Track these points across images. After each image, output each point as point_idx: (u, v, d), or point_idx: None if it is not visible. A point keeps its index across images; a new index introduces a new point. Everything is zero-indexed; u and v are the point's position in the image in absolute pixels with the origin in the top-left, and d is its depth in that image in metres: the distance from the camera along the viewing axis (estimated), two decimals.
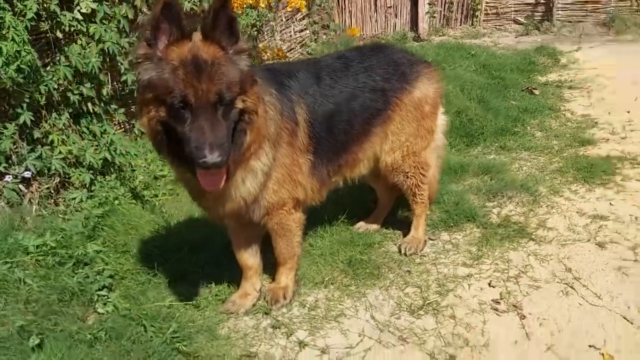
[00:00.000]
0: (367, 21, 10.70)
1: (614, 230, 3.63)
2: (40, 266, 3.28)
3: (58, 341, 2.66)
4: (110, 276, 3.27)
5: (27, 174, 3.82)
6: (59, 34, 4.17)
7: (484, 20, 10.85)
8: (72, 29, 4.19)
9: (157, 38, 2.28)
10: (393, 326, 2.98)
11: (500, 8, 10.83)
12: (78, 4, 4.21)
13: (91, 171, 4.19)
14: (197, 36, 2.33)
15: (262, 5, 5.67)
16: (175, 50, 2.27)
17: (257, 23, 5.77)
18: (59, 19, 4.08)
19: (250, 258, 3.14)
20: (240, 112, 2.38)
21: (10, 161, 3.83)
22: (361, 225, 3.88)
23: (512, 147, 5.13)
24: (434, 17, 10.63)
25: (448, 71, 7.30)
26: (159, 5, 2.22)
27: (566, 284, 3.18)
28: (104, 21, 4.41)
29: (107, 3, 4.46)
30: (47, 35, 4.10)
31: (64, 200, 4.05)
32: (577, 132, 5.36)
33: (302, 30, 8.76)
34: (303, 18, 8.87)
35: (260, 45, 6.42)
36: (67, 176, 4.11)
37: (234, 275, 3.29)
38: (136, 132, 4.96)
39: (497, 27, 10.85)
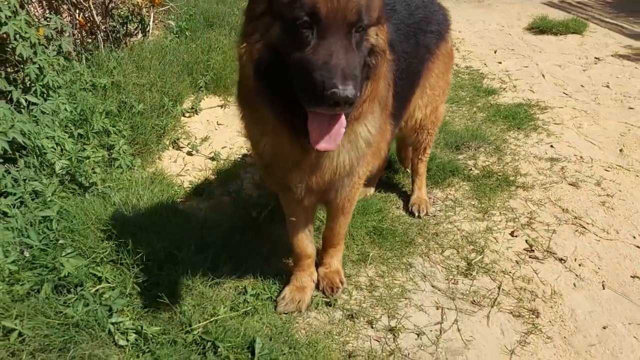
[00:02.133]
0: None
1: (574, 170, 4.03)
2: (13, 300, 2.25)
3: None
4: (119, 296, 2.42)
5: None
6: None
7: None
8: None
9: None
10: (459, 292, 2.85)
11: None
12: None
13: None
14: None
15: None
16: None
17: None
18: None
19: (309, 245, 2.65)
20: (370, 49, 1.84)
21: None
22: (360, 191, 3.58)
23: None
24: None
25: None
26: None
27: (573, 224, 3.43)
28: None
29: None
30: None
31: None
32: (475, 83, 5.75)
33: None
34: None
35: None
36: None
37: (248, 269, 2.80)
38: (22, 101, 3.69)
39: None
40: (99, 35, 5.16)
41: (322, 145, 1.75)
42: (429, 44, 2.86)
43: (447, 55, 3.06)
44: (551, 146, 4.40)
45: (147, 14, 5.80)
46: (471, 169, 3.97)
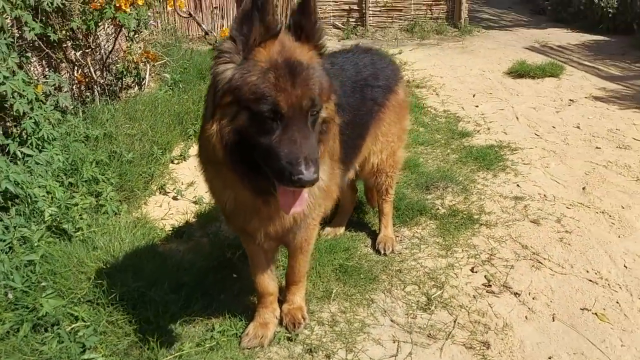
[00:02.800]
0: (192, 21, 10.30)
1: (536, 208, 4.24)
2: None
3: None
4: (93, 333, 2.64)
5: None
6: None
7: None
8: None
9: (244, 35, 1.95)
10: (416, 326, 3.04)
11: (320, 13, 11.42)
12: None
13: None
14: (283, 34, 2.04)
15: (140, 3, 5.06)
16: (264, 50, 1.97)
17: (138, 19, 5.13)
18: None
19: (271, 283, 2.86)
20: (322, 121, 2.15)
21: None
22: (329, 231, 3.82)
23: (408, 143, 5.53)
24: None
25: None
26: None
27: (531, 259, 3.62)
28: None
29: None
30: None
31: None
32: (450, 126, 6.04)
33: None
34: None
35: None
36: None
37: (218, 307, 3.02)
38: (18, 153, 3.99)
39: None
40: (96, 90, 5.53)
41: (293, 210, 2.07)
42: (376, 97, 3.16)
43: (398, 106, 3.34)
44: (517, 185, 4.63)
45: (143, 68, 6.19)
46: (438, 208, 4.20)
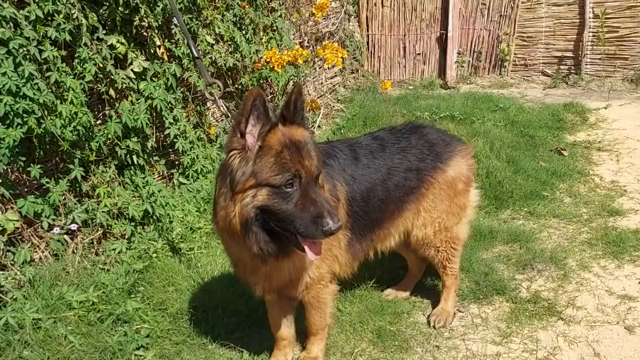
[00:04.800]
0: (395, 67, 10.94)
1: None
2: (83, 322, 3.42)
3: None
4: (148, 335, 3.40)
5: (74, 227, 3.99)
6: (112, 92, 4.39)
7: (512, 71, 10.95)
8: (124, 86, 4.43)
9: (248, 130, 2.45)
10: None
11: (529, 59, 10.93)
12: (131, 63, 4.46)
13: (132, 222, 4.37)
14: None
15: (300, 61, 5.88)
16: (272, 138, 2.44)
17: (295, 78, 5.98)
18: (113, 78, 4.31)
19: (285, 329, 3.23)
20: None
21: (57, 213, 4.01)
22: (390, 293, 3.96)
23: (541, 213, 5.17)
24: (463, 66, 10.78)
25: (477, 125, 7.45)
26: (249, 101, 2.39)
27: None
28: (153, 78, 4.66)
29: (158, 62, 4.72)
30: (100, 92, 4.32)
31: (105, 251, 4.21)
32: (606, 200, 5.38)
33: (332, 77, 8.99)
34: (333, 66, 9.10)
35: None
36: (109, 227, 4.29)
37: (264, 341, 3.41)
38: (175, 181, 5.15)
39: (525, 77, 10.94)
40: None
41: (316, 256, 2.53)
42: (417, 174, 3.30)
43: (445, 183, 3.36)
44: (639, 283, 4.00)
45: (313, 114, 7.08)
46: (520, 291, 3.94)
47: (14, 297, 3.46)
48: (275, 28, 6.48)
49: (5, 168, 3.47)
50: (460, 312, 3.81)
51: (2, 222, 3.55)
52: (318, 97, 8.27)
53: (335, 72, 9.16)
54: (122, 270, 3.93)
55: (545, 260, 4.24)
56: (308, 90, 7.60)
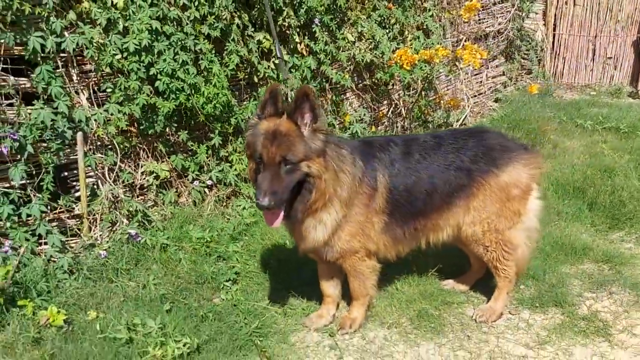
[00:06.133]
0: (581, 69, 10.29)
1: None
2: (196, 253, 4.52)
3: (181, 310, 3.79)
4: (237, 273, 4.35)
5: (210, 182, 5.14)
6: (255, 79, 5.42)
7: None
8: (266, 75, 5.41)
9: (262, 113, 3.19)
10: None
11: None
12: (274, 56, 5.41)
13: None
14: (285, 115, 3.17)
15: (437, 61, 6.21)
16: (265, 123, 3.15)
17: (429, 76, 6.35)
18: (256, 68, 5.32)
19: (330, 288, 3.87)
20: (305, 174, 3.14)
21: (200, 170, 5.19)
22: (448, 283, 4.27)
23: None
24: None
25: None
26: (268, 91, 3.14)
27: None
28: (292, 70, 5.56)
29: (297, 56, 5.60)
30: (243, 79, 5.36)
31: (232, 206, 5.29)
32: None
33: (495, 77, 8.92)
34: (499, 64, 9.02)
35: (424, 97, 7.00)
36: (238, 188, 5.35)
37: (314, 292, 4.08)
38: None
39: None
40: (400, 121, 7.09)
41: (267, 224, 3.28)
42: (469, 174, 3.60)
43: (497, 187, 3.58)
44: None
45: (455, 110, 7.36)
46: (580, 307, 3.89)
47: (155, 226, 4.70)
48: (424, 27, 6.89)
49: (161, 130, 4.71)
50: (511, 314, 3.95)
51: (157, 169, 4.82)
52: (474, 96, 8.37)
53: (500, 71, 9.08)
54: (237, 222, 4.95)
55: (623, 285, 4.06)
56: (455, 89, 7.82)
